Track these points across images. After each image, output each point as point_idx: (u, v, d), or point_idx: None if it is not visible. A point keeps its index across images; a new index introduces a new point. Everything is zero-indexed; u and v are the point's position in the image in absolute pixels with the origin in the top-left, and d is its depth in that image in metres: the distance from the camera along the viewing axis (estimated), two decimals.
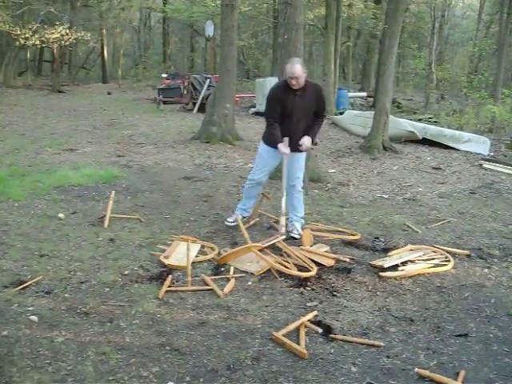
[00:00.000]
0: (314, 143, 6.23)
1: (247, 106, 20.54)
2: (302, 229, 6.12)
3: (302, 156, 6.11)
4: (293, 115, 5.83)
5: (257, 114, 18.62)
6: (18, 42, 22.85)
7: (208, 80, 19.54)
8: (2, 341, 3.59)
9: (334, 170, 10.07)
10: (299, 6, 8.57)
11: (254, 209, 6.60)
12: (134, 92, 26.82)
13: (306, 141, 5.84)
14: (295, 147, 5.89)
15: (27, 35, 21.96)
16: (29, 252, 5.26)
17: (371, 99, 21.36)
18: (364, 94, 23.75)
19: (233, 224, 6.25)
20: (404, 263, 5.25)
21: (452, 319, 4.23)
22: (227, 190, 8.08)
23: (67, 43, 23.82)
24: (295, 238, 5.95)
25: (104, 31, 33.65)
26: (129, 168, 9.46)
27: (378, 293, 4.69)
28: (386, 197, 8.34)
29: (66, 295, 4.34)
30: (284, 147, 5.84)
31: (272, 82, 17.36)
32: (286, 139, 5.86)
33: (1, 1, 22.44)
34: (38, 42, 22.70)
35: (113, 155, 10.74)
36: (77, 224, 6.23)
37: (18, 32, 21.78)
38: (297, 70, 5.58)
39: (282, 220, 5.95)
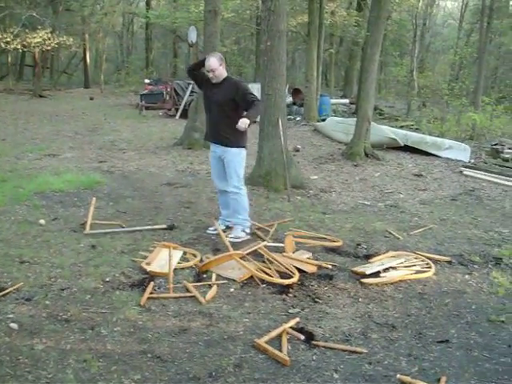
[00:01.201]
0: (252, 122, 5.95)
1: None
2: (248, 233, 6.21)
3: (229, 152, 6.04)
4: (211, 108, 6.07)
5: None
6: None
7: (190, 86, 19.51)
8: None
9: (316, 177, 10.10)
10: (282, 13, 8.60)
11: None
12: (117, 97, 26.73)
13: (240, 122, 5.71)
14: (216, 139, 6.10)
15: (8, 39, 21.81)
16: (9, 258, 5.21)
17: (353, 106, 21.46)
18: (346, 100, 23.87)
19: (214, 232, 6.24)
20: (386, 270, 5.27)
21: (433, 325, 4.26)
22: (209, 197, 8.06)
23: (49, 48, 23.72)
24: (232, 243, 5.77)
25: (86, 36, 33.53)
26: (111, 174, 9.42)
27: (359, 299, 4.70)
28: (367, 203, 8.37)
29: (47, 302, 4.30)
30: None
31: (254, 87, 17.48)
32: None
33: None
34: (19, 46, 22.57)
35: (95, 161, 10.69)
36: (58, 230, 6.19)
37: None
38: (211, 62, 5.86)
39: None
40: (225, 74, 5.99)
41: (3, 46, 22.09)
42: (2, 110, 19.51)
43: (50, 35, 23.36)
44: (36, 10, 24.86)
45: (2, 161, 10.20)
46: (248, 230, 6.27)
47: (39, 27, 23.31)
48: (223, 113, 5.95)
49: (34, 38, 22.62)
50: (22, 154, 11.10)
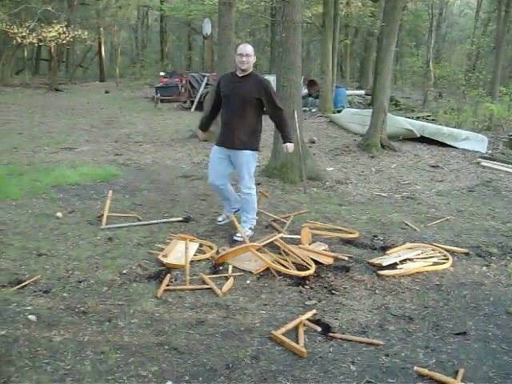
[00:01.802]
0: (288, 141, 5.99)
1: None
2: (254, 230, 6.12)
3: (243, 155, 5.87)
4: (232, 104, 5.85)
5: None
6: (15, 41, 22.89)
7: (206, 78, 19.52)
8: (0, 340, 3.58)
9: (332, 169, 10.07)
10: (297, 4, 8.56)
11: None
12: (132, 90, 26.81)
13: (289, 148, 5.95)
14: (232, 145, 5.89)
15: (24, 34, 21.98)
16: (27, 251, 5.25)
17: (369, 97, 21.34)
18: (362, 92, 23.72)
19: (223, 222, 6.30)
20: (403, 261, 5.25)
21: (451, 317, 4.23)
22: None
23: (64, 41, 23.86)
24: (235, 241, 5.79)
25: (101, 29, 33.66)
26: (127, 166, 9.45)
27: (376, 291, 4.68)
28: (384, 195, 8.33)
29: (65, 294, 4.33)
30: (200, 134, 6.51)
31: (270, 79, 17.43)
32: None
33: None
34: (35, 41, 22.75)
35: (111, 154, 10.73)
36: (75, 223, 6.22)
37: (15, 30, 21.83)
38: (248, 48, 5.78)
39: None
40: (252, 69, 5.86)
41: (19, 40, 22.25)
42: (18, 104, 19.65)
43: (65, 29, 23.51)
44: (51, 5, 25.07)
45: (19, 154, 10.28)
46: (253, 228, 6.17)
47: (54, 21, 23.48)
48: (244, 111, 5.76)
49: (50, 32, 22.79)
50: (39, 147, 11.17)
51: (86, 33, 25.37)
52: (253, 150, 5.92)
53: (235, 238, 5.84)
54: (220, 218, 6.41)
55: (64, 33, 23.31)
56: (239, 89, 5.78)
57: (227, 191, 6.21)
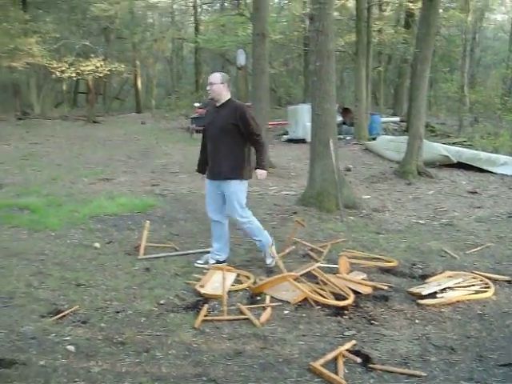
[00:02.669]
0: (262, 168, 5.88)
1: (279, 133, 20.59)
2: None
3: (230, 185, 5.75)
4: (212, 135, 5.82)
5: (289, 141, 18.70)
6: (54, 75, 23.45)
7: None
8: (39, 371, 3.61)
9: (368, 196, 9.99)
10: (330, 33, 8.61)
11: (288, 237, 6.57)
12: (168, 121, 27.09)
13: (259, 176, 5.83)
14: (217, 176, 5.83)
15: (63, 68, 22.53)
16: (65, 281, 5.30)
17: (404, 124, 21.23)
18: (397, 118, 23.60)
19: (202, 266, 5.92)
20: (443, 290, 5.14)
21: (495, 348, 4.12)
22: (262, 218, 8.03)
23: (101, 75, 24.34)
24: (268, 265, 5.88)
25: (137, 62, 34.27)
26: (163, 197, 9.53)
27: (416, 321, 4.59)
28: (422, 222, 8.22)
29: (103, 325, 4.35)
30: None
31: (304, 109, 17.49)
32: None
33: (39, 36, 23.08)
34: (73, 75, 23.29)
35: (147, 184, 10.84)
36: (112, 253, 6.28)
37: (55, 65, 22.39)
38: (212, 76, 5.81)
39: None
40: (227, 96, 5.78)
41: (59, 74, 22.83)
42: (57, 136, 20.03)
43: (102, 63, 24.03)
44: (89, 39, 25.71)
45: (57, 186, 10.45)
46: (272, 242, 6.03)
47: (92, 55, 24.02)
48: (223, 140, 5.69)
49: (87, 65, 23.31)
50: (77, 178, 11.35)
51: (123, 66, 25.88)
52: (240, 180, 5.76)
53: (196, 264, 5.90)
54: (200, 261, 6.02)
55: (101, 66, 23.83)
56: (216, 118, 5.78)
57: (223, 231, 6.03)
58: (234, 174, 5.72)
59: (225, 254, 6.06)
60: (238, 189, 5.76)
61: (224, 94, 5.77)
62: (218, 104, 5.81)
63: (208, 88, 5.78)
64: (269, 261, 5.94)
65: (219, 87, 5.73)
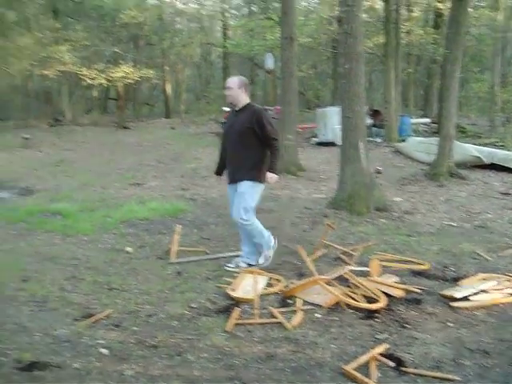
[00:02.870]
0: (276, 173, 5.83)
1: (309, 136, 20.56)
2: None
3: (242, 184, 5.74)
4: (230, 139, 5.85)
5: (319, 144, 18.63)
6: (85, 82, 23.78)
7: (268, 112, 19.63)
8: (73, 373, 3.64)
9: (399, 199, 9.91)
10: (359, 36, 8.59)
11: (319, 240, 6.55)
12: (197, 126, 27.22)
13: (269, 179, 5.74)
14: (235, 180, 5.86)
15: (94, 75, 22.84)
16: (98, 285, 5.35)
17: (434, 125, 21.02)
18: (428, 120, 23.38)
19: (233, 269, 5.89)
20: (476, 293, 5.08)
21: None
22: (292, 221, 8.05)
23: (131, 81, 24.60)
24: (259, 264, 5.86)
25: (166, 68, 34.51)
26: (194, 201, 9.58)
27: (449, 324, 4.54)
28: (454, 224, 8.14)
29: (135, 328, 4.38)
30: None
31: (333, 111, 17.43)
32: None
33: (70, 44, 23.45)
34: (103, 81, 23.57)
35: (178, 189, 10.90)
36: (144, 257, 6.33)
37: (85, 72, 22.70)
38: (229, 80, 5.86)
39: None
40: (245, 101, 5.79)
41: (89, 81, 23.15)
42: (88, 142, 20.28)
43: (131, 69, 24.29)
44: (119, 46, 26.01)
45: (89, 191, 10.58)
46: (273, 245, 6.03)
47: (122, 62, 24.31)
48: (241, 144, 5.69)
49: (117, 72, 23.60)
50: (108, 183, 11.47)
51: (152, 72, 26.14)
52: (252, 181, 5.74)
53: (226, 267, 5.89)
54: (230, 265, 5.99)
55: (131, 72, 24.11)
56: (235, 122, 5.80)
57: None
58: (248, 175, 5.73)
59: (254, 257, 6.05)
60: (247, 190, 5.74)
61: (242, 98, 5.79)
62: (236, 108, 5.85)
63: (226, 93, 5.82)
64: (261, 260, 5.93)
65: (236, 92, 5.76)
